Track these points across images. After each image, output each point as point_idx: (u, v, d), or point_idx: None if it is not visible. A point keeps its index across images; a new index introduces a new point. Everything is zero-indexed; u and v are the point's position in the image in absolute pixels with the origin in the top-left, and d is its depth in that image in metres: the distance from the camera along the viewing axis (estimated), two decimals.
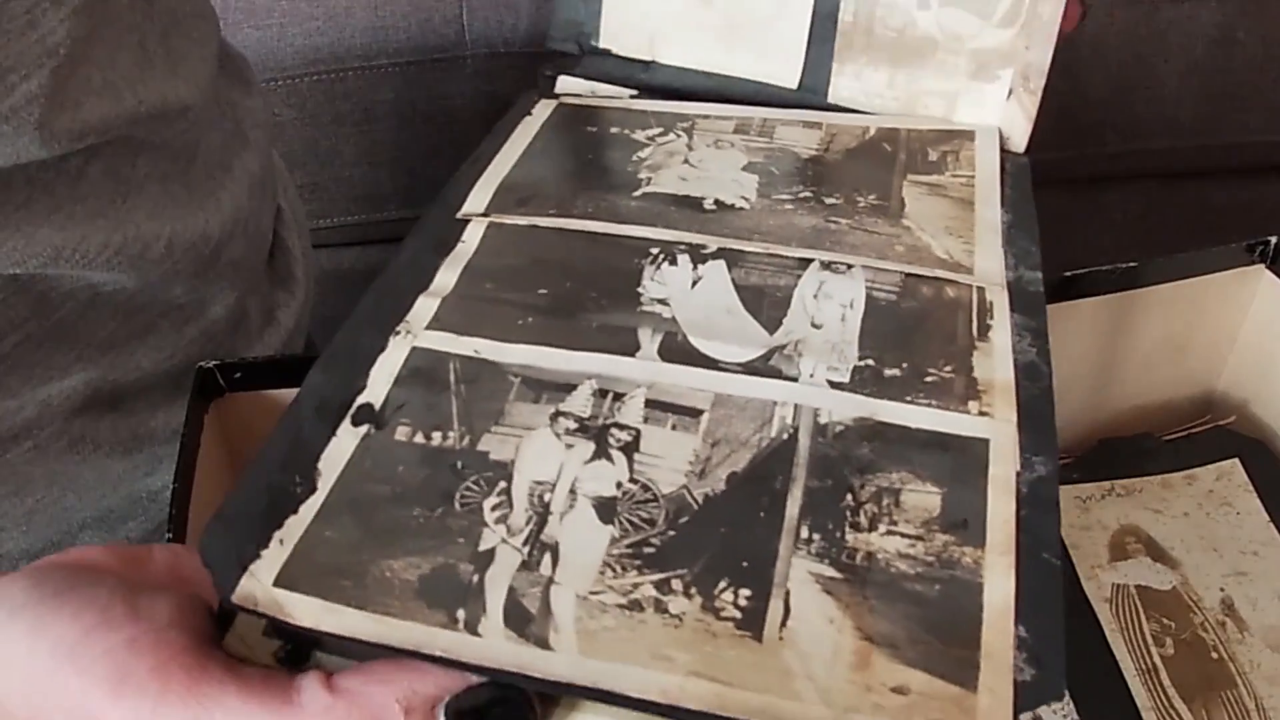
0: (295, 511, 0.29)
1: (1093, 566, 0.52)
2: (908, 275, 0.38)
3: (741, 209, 0.42)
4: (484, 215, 0.41)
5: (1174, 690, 0.47)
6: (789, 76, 0.49)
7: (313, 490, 0.29)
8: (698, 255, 0.39)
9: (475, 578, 0.27)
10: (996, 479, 0.30)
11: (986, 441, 0.32)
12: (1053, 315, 0.59)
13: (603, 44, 0.51)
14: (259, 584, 0.27)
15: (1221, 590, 0.51)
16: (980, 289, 0.37)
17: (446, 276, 0.38)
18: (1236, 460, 0.57)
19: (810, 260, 0.39)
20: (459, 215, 0.41)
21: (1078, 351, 0.57)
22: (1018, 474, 0.30)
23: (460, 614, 0.26)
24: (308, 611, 0.26)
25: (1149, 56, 1.03)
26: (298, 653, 0.27)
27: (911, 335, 0.35)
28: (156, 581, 0.28)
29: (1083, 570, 0.52)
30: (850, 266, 0.38)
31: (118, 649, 0.25)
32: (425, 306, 0.36)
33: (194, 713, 0.25)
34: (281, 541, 0.28)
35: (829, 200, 0.42)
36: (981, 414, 0.32)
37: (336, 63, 0.96)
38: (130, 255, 0.46)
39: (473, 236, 0.40)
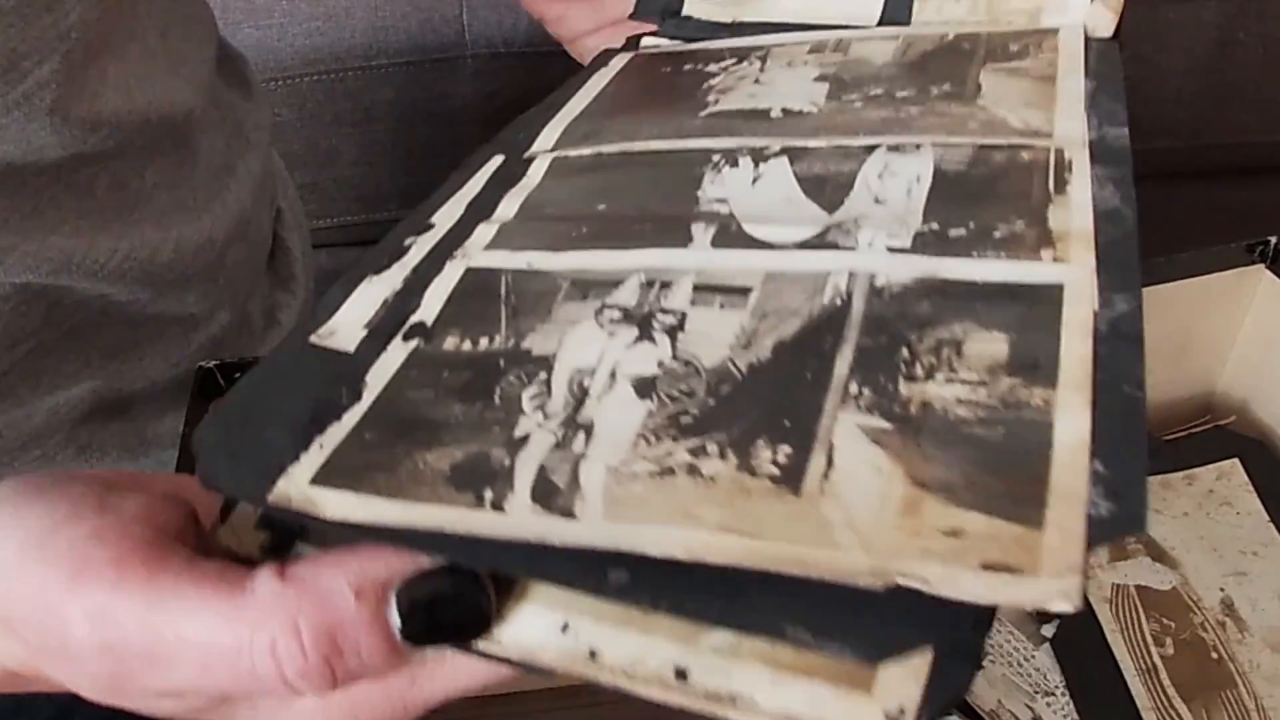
0: (339, 419, 0.28)
1: (1092, 566, 0.52)
2: (980, 146, 0.36)
3: (809, 113, 0.40)
4: (550, 151, 0.40)
5: (1174, 690, 0.47)
6: (870, 14, 0.48)
7: (358, 399, 0.29)
8: (760, 156, 0.37)
9: (507, 461, 0.27)
10: (1072, 321, 0.28)
11: (1061, 286, 0.29)
12: None
13: (686, 12, 0.51)
14: (294, 484, 0.26)
15: (1221, 590, 0.51)
16: (1059, 149, 0.35)
17: (508, 206, 0.37)
18: (1236, 460, 0.57)
19: (877, 146, 0.37)
20: (525, 155, 0.40)
21: None
22: (1096, 313, 0.28)
23: (488, 494, 0.26)
24: (340, 506, 0.26)
25: (1149, 56, 1.03)
26: (282, 543, 0.27)
27: (982, 199, 0.33)
28: (136, 481, 0.29)
29: None
30: (919, 146, 0.36)
31: (80, 540, 0.26)
32: (484, 233, 0.36)
33: (148, 602, 0.25)
34: (321, 446, 0.28)
35: (900, 94, 0.41)
36: (1056, 260, 0.30)
37: (336, 63, 0.96)
38: (139, 260, 0.46)
39: (537, 171, 0.39)
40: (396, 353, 0.31)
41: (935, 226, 0.32)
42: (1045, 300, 0.29)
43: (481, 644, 0.25)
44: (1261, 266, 0.55)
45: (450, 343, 0.31)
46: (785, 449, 0.26)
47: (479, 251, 0.35)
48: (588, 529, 0.24)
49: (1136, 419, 0.26)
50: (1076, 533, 0.23)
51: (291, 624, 0.24)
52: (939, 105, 0.39)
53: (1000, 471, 0.25)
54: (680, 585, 0.23)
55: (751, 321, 0.30)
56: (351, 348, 0.31)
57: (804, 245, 0.32)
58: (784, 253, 0.32)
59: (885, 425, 0.26)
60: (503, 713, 0.52)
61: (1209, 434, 0.59)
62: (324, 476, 0.27)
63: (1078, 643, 0.49)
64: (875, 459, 0.25)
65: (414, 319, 0.32)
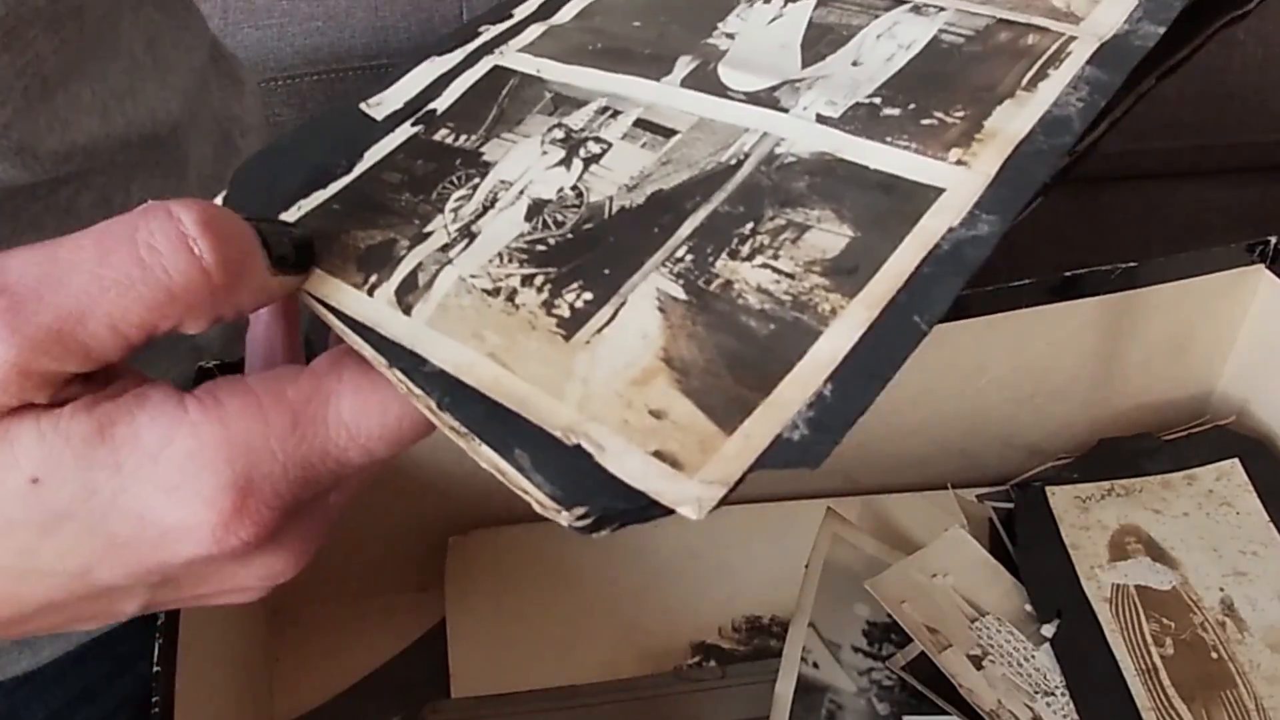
0: (324, 187, 0.32)
1: (1093, 566, 0.52)
2: (998, 21, 0.34)
3: None
4: (542, 20, 0.40)
5: (1174, 690, 0.47)
6: None
7: (348, 172, 0.33)
8: None
9: (404, 252, 0.30)
10: (922, 230, 0.27)
11: (941, 191, 0.28)
12: (1053, 316, 0.59)
13: None
14: None
15: (1221, 590, 0.51)
16: (1067, 39, 0.33)
17: (571, 8, 0.39)
18: (1236, 460, 0.57)
19: (904, 2, 0.36)
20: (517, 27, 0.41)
21: (1078, 351, 0.57)
22: (951, 229, 0.27)
23: (372, 278, 0.29)
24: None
25: None
26: None
27: (949, 80, 0.32)
28: None
29: (1082, 570, 0.52)
30: (941, 9, 0.35)
31: None
32: (532, 32, 0.38)
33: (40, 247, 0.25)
34: (300, 208, 0.32)
35: None
36: (958, 163, 0.29)
37: (336, 63, 0.96)
38: None
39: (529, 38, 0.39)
40: (399, 136, 0.34)
41: (876, 101, 0.32)
42: (915, 201, 0.28)
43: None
44: (1261, 266, 0.55)
45: (441, 134, 0.34)
46: (587, 296, 0.28)
47: (513, 52, 0.37)
48: (406, 328, 0.28)
49: (901, 352, 0.25)
50: (754, 449, 0.24)
51: (168, 212, 0.25)
52: None
53: (739, 368, 0.25)
54: (461, 392, 0.26)
55: (652, 165, 0.31)
56: (380, 118, 0.35)
57: (750, 98, 0.33)
58: (726, 102, 0.33)
59: (680, 295, 0.27)
60: (504, 713, 0.53)
61: (1209, 434, 0.59)
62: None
63: (1078, 643, 0.49)
64: (648, 325, 0.27)
65: (430, 106, 0.35)
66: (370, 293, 0.29)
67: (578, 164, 0.32)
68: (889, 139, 0.30)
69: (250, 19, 0.93)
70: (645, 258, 0.28)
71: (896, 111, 0.31)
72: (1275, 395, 0.58)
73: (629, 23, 0.38)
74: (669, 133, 0.32)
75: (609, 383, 0.25)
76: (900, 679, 0.49)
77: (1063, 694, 0.47)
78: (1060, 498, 0.55)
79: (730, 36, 0.36)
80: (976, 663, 0.48)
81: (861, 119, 0.31)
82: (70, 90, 0.41)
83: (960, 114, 0.31)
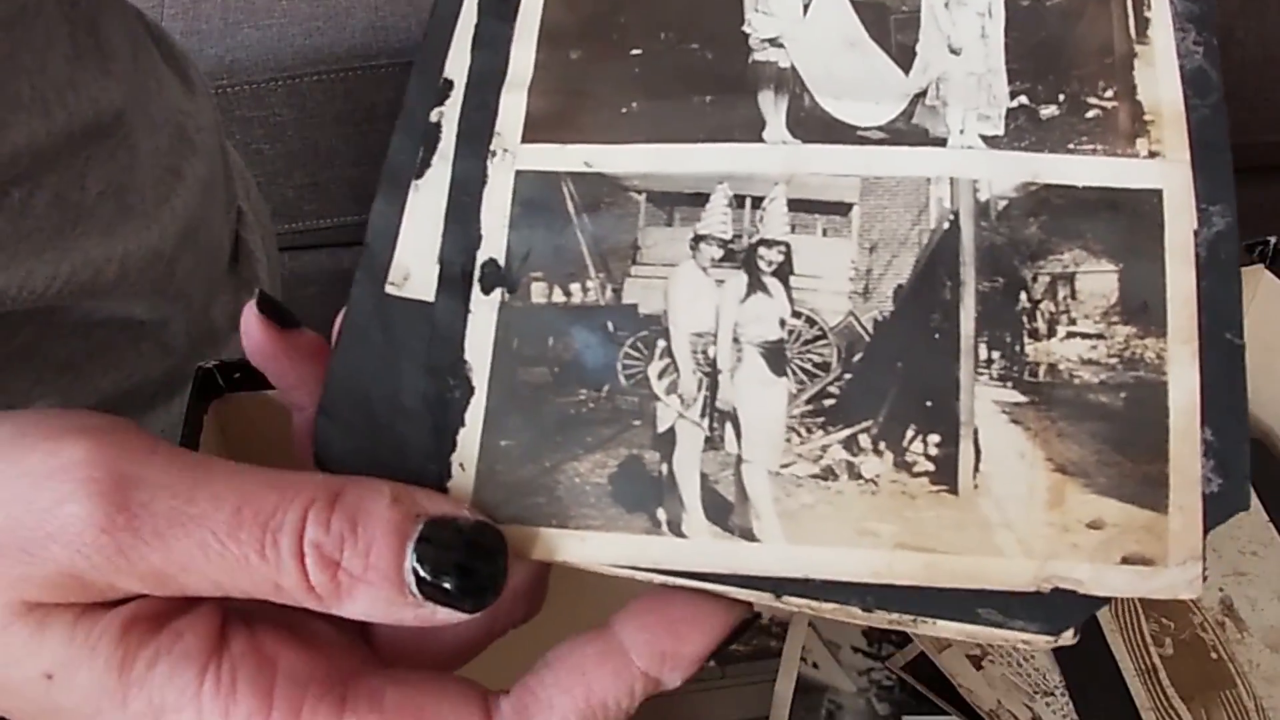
0: (463, 424, 0.28)
1: None
2: None
3: None
4: None
5: (1173, 690, 0.47)
6: None
7: (470, 391, 0.28)
8: None
9: (664, 467, 0.27)
10: (1174, 244, 0.28)
11: (1159, 193, 0.29)
12: None
13: None
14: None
15: (1221, 590, 0.51)
16: None
17: (523, 55, 0.32)
18: None
19: None
20: None
21: None
22: (1195, 233, 0.28)
23: (660, 514, 0.27)
24: (513, 542, 0.26)
25: None
26: None
27: (1062, 46, 0.31)
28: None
29: None
30: None
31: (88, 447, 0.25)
32: (513, 107, 0.31)
33: (187, 464, 0.25)
34: (463, 466, 0.27)
35: None
36: (1152, 154, 0.29)
37: (336, 63, 0.96)
38: (80, 283, 0.44)
39: None
40: (484, 311, 0.29)
41: (1025, 101, 0.31)
42: (1145, 213, 0.29)
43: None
44: (1261, 266, 0.55)
45: (538, 291, 0.29)
46: (934, 438, 0.27)
47: (519, 143, 0.31)
48: (775, 556, 0.26)
49: (1239, 373, 0.27)
50: (1195, 516, 0.25)
51: (332, 494, 0.24)
52: None
53: (1126, 447, 0.26)
54: (887, 591, 0.26)
55: (862, 256, 0.29)
56: (430, 295, 0.29)
57: (893, 133, 0.30)
58: (875, 150, 0.30)
59: (1020, 398, 0.27)
60: None
61: None
62: (482, 507, 0.27)
63: (1077, 643, 0.49)
64: (1018, 443, 0.27)
65: (482, 255, 0.30)
66: (673, 531, 0.26)
67: (773, 284, 0.29)
68: (1071, 146, 0.30)
69: (250, 19, 0.93)
70: (955, 372, 0.27)
71: (1054, 110, 0.30)
72: (1275, 395, 0.58)
73: (627, 52, 0.32)
74: (841, 208, 0.29)
75: (1030, 515, 0.26)
76: (900, 679, 0.49)
77: (1062, 694, 0.47)
78: None
79: (776, 44, 0.32)
80: (976, 663, 0.48)
81: (1027, 129, 0.30)
82: (6, 91, 0.40)
83: (1110, 95, 0.30)
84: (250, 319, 0.29)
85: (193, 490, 0.24)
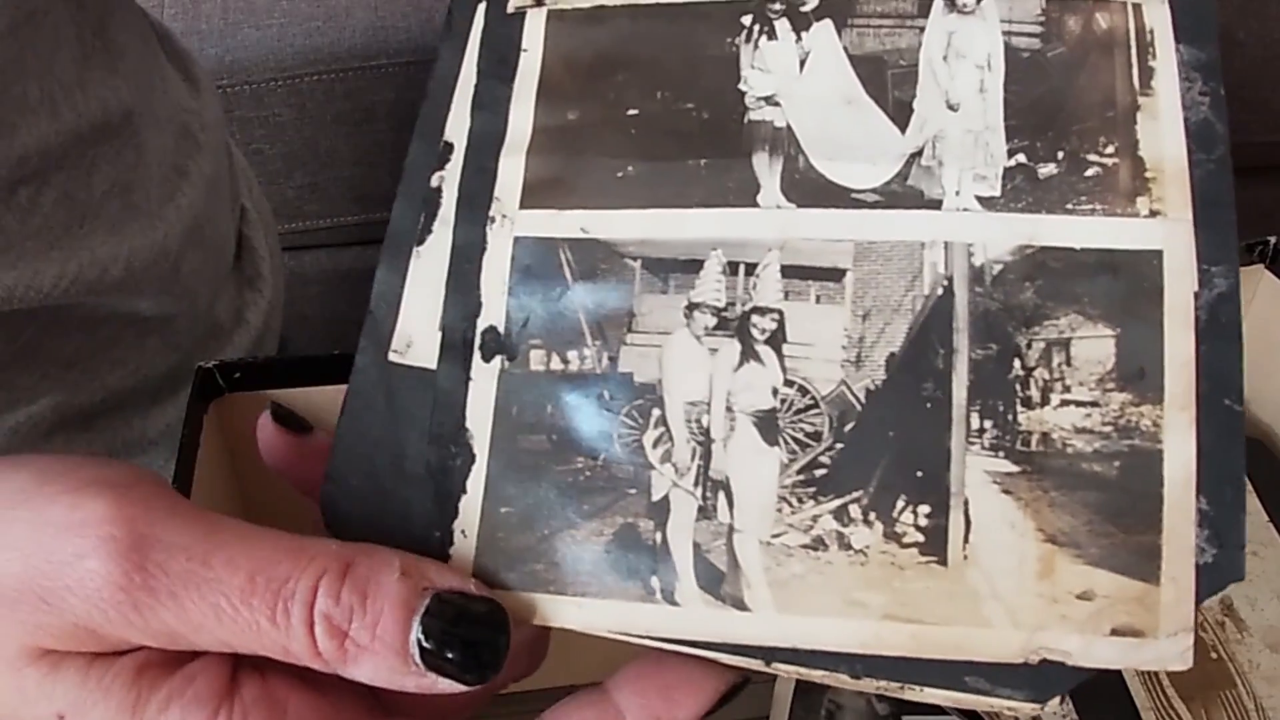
0: (465, 491, 0.28)
1: None
2: (1048, 3, 0.32)
3: None
4: (538, 4, 0.34)
5: (1173, 690, 0.47)
6: None
7: (472, 459, 0.29)
8: (797, 17, 0.32)
9: (658, 536, 0.27)
10: (1173, 308, 0.28)
11: (1160, 254, 0.28)
12: None
13: None
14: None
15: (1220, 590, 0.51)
16: (1135, 6, 0.31)
17: (521, 116, 0.32)
18: None
19: (932, 1, 0.32)
20: (510, 9, 0.34)
21: None
22: (1195, 295, 0.28)
23: (655, 583, 0.27)
24: (513, 607, 0.27)
25: None
26: None
27: (1063, 100, 0.30)
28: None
29: None
30: (979, 1, 0.32)
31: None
32: (511, 170, 0.31)
33: (207, 527, 0.26)
34: (464, 533, 0.28)
35: None
36: (1153, 213, 0.29)
37: (336, 63, 0.96)
38: (87, 281, 0.44)
39: (533, 40, 0.33)
40: (484, 379, 0.29)
41: (1023, 160, 0.30)
42: (1144, 275, 0.28)
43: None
44: (1261, 266, 0.55)
45: (537, 359, 0.29)
46: (924, 509, 0.27)
47: (517, 209, 0.31)
48: (765, 625, 0.26)
49: (1236, 442, 0.27)
50: (1188, 588, 0.25)
51: (344, 565, 0.25)
52: None
53: (1119, 518, 0.26)
54: (874, 661, 0.26)
55: (855, 323, 0.29)
56: (433, 363, 0.30)
57: (887, 196, 0.30)
58: (870, 214, 0.30)
59: (1012, 468, 0.27)
60: (504, 713, 0.53)
61: None
62: (482, 572, 0.27)
63: None
64: (1008, 513, 0.27)
65: (482, 322, 0.30)
66: (667, 599, 0.27)
67: (766, 353, 0.29)
68: (1069, 206, 0.29)
69: (250, 19, 0.93)
70: (946, 442, 0.27)
71: (1054, 169, 0.30)
72: (1275, 395, 0.58)
73: (623, 111, 0.32)
74: (835, 274, 0.29)
75: (1020, 586, 0.26)
76: None
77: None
78: None
79: (772, 103, 0.31)
80: None
81: (1025, 189, 0.30)
82: (13, 93, 0.40)
83: (1111, 151, 0.30)
84: (266, 428, 0.30)
85: (209, 554, 0.25)
